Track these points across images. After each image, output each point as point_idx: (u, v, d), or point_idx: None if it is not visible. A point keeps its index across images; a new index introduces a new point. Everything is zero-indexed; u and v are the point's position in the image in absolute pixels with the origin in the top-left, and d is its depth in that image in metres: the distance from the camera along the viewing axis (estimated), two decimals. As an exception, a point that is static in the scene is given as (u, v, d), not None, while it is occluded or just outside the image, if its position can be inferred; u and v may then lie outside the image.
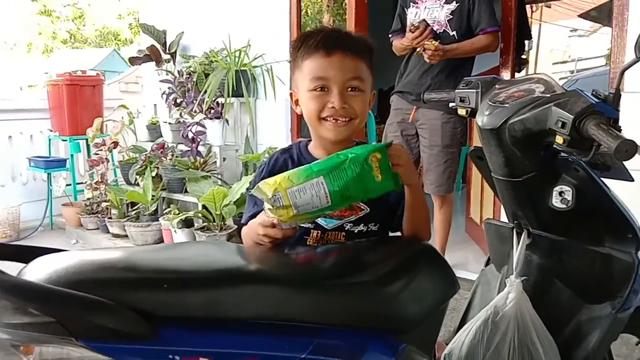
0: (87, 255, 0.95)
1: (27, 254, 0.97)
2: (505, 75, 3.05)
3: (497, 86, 1.23)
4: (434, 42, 2.71)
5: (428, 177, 2.93)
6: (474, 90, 1.28)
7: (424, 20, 2.81)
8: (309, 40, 1.18)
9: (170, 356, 0.81)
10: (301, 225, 1.15)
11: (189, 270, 0.92)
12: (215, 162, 4.02)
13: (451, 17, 2.79)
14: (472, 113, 1.29)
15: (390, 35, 3.05)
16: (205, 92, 3.84)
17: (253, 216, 1.17)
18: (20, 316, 0.80)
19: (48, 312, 0.78)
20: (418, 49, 2.76)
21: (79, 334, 0.79)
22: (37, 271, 0.87)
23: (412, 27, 2.81)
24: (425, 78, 2.87)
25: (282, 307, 0.89)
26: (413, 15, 2.90)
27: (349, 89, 1.17)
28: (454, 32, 2.80)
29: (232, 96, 3.92)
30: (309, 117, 1.21)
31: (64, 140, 4.70)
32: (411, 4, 2.92)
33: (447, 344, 1.30)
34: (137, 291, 0.85)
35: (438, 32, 2.81)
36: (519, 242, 1.24)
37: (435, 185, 2.91)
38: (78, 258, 0.91)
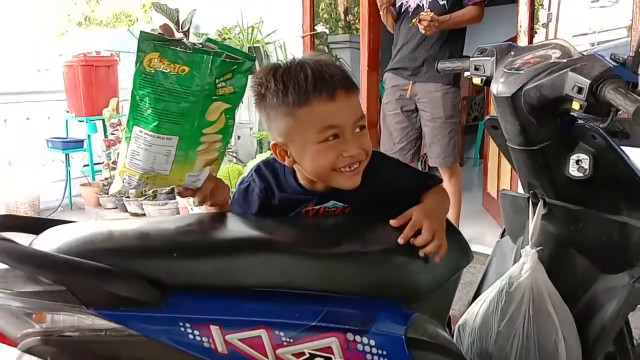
0: (98, 225, 0.96)
1: (39, 226, 0.98)
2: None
3: (512, 53, 1.20)
4: (429, 12, 2.68)
5: (433, 150, 2.92)
6: (489, 58, 1.25)
7: None
8: (294, 84, 0.97)
9: (181, 323, 0.81)
10: None
11: (199, 239, 0.92)
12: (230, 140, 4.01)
13: None
14: (487, 81, 1.26)
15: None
16: (219, 69, 3.82)
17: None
18: (32, 285, 0.81)
19: (58, 281, 0.79)
20: (414, 20, 2.75)
21: (90, 301, 0.79)
22: (48, 241, 0.88)
23: None
24: (420, 52, 2.87)
25: (293, 275, 0.89)
26: None
27: (357, 129, 1.02)
28: (444, 2, 2.81)
29: (246, 73, 3.90)
30: (319, 170, 1.02)
31: (80, 121, 4.73)
32: None
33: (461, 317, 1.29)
34: (147, 259, 0.85)
35: (428, 1, 2.82)
36: (534, 213, 1.22)
37: (441, 157, 2.90)
38: (88, 228, 0.92)
